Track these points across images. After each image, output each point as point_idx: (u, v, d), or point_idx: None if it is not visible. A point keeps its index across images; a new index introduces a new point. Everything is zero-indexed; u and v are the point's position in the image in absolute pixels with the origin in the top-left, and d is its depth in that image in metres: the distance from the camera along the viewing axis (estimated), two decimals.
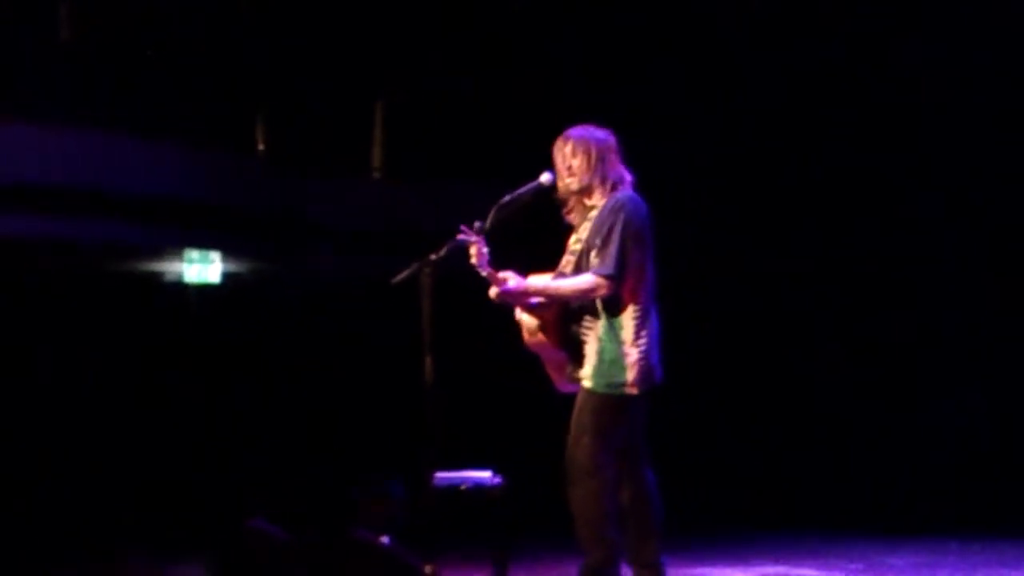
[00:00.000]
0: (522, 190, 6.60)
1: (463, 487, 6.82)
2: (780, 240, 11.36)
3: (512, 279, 6.48)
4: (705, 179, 11.18)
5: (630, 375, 6.36)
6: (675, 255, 6.77)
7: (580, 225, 6.60)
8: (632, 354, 6.36)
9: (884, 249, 11.27)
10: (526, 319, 6.62)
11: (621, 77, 10.75)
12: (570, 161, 6.55)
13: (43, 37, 9.22)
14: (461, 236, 6.43)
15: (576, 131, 6.61)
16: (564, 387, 6.62)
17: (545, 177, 6.61)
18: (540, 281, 6.55)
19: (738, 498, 10.58)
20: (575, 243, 6.57)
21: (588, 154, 6.53)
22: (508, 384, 8.22)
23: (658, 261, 6.50)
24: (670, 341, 6.60)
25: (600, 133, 6.61)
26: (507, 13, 10.64)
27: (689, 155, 10.97)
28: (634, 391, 6.37)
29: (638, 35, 10.95)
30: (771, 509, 10.31)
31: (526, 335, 6.64)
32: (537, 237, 6.80)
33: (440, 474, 6.71)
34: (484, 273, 6.46)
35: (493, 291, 6.48)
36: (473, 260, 6.44)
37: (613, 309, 6.41)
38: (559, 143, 6.60)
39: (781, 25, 11.08)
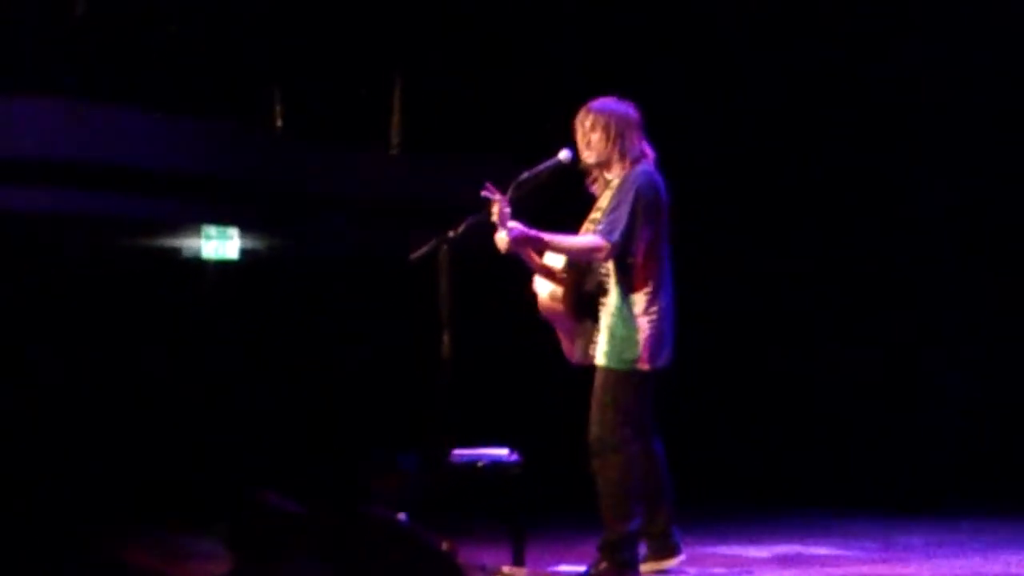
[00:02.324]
0: (541, 167, 6.64)
1: (480, 464, 6.83)
2: (780, 240, 11.38)
3: (518, 226, 6.48)
4: (704, 179, 11.20)
5: (641, 351, 6.41)
6: (675, 255, 6.79)
7: (601, 196, 6.64)
8: (644, 330, 6.41)
9: (884, 249, 11.30)
10: (543, 286, 6.64)
11: (625, 74, 10.79)
12: (589, 135, 6.61)
13: (58, 12, 9.22)
14: (485, 192, 6.46)
15: (597, 104, 6.64)
16: (576, 358, 6.64)
17: (564, 154, 6.66)
18: (545, 234, 6.56)
19: (754, 478, 10.58)
20: (595, 212, 6.61)
21: (608, 128, 6.58)
22: (526, 361, 8.22)
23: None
24: (692, 322, 6.64)
25: (622, 107, 6.64)
26: None
27: (688, 155, 10.98)
28: (645, 367, 6.41)
29: (642, 26, 10.99)
30: (787, 489, 10.31)
31: (542, 302, 6.65)
32: (556, 212, 6.81)
33: (457, 451, 6.72)
34: (507, 230, 6.46)
35: (500, 237, 6.47)
36: (494, 219, 6.46)
37: (626, 284, 6.46)
38: (580, 115, 6.64)
39: (781, 25, 11.11)
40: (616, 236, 6.39)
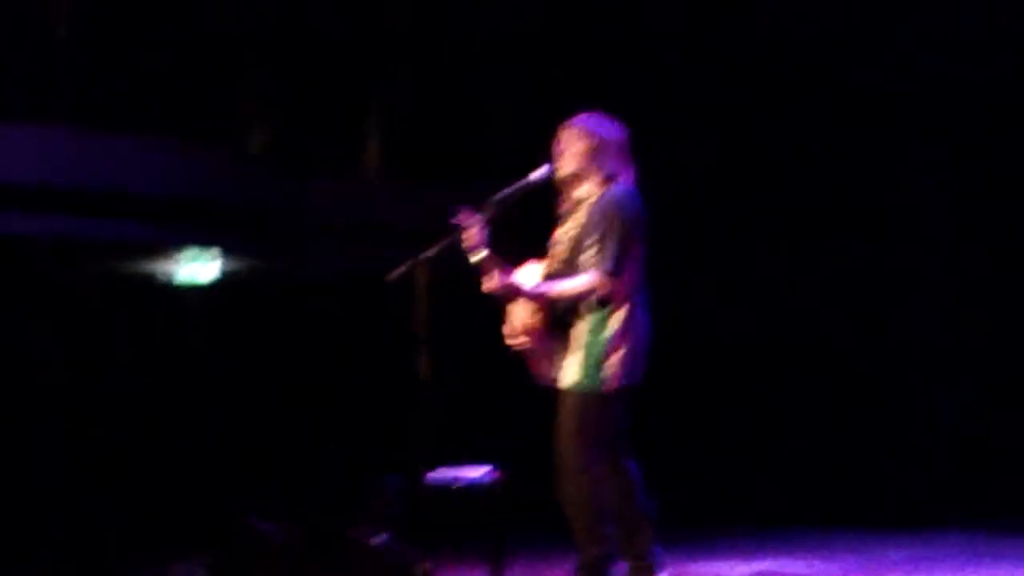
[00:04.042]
0: (516, 186, 6.62)
1: (458, 484, 6.81)
2: (777, 242, 11.38)
3: (511, 278, 6.47)
4: (698, 181, 11.20)
5: (611, 371, 6.37)
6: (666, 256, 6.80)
7: (571, 214, 6.61)
8: (617, 350, 6.37)
9: (871, 265, 11.29)
10: (518, 308, 6.62)
11: (616, 74, 10.80)
12: (569, 146, 6.58)
13: (38, 36, 9.25)
14: (459, 219, 6.45)
15: (582, 118, 6.63)
16: (546, 379, 6.62)
17: (536, 173, 6.64)
18: (532, 271, 6.56)
19: (736, 493, 10.57)
20: (564, 231, 6.59)
21: (587, 141, 6.54)
22: (504, 379, 8.21)
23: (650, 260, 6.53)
24: (664, 336, 6.61)
25: (607, 124, 6.61)
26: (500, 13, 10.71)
27: (683, 155, 11.00)
28: (612, 388, 6.38)
29: (633, 32, 10.98)
30: (769, 504, 10.31)
31: (515, 324, 6.63)
32: (531, 230, 6.81)
33: (435, 471, 6.71)
34: (479, 257, 6.44)
35: (490, 284, 6.47)
36: (468, 243, 6.44)
37: (603, 305, 6.42)
38: (564, 126, 6.63)
39: (779, 26, 11.09)
40: (610, 267, 6.36)
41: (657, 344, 6.55)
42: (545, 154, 6.68)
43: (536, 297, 6.48)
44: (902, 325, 11.23)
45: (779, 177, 11.30)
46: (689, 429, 10.96)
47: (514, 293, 6.50)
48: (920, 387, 11.14)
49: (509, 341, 6.66)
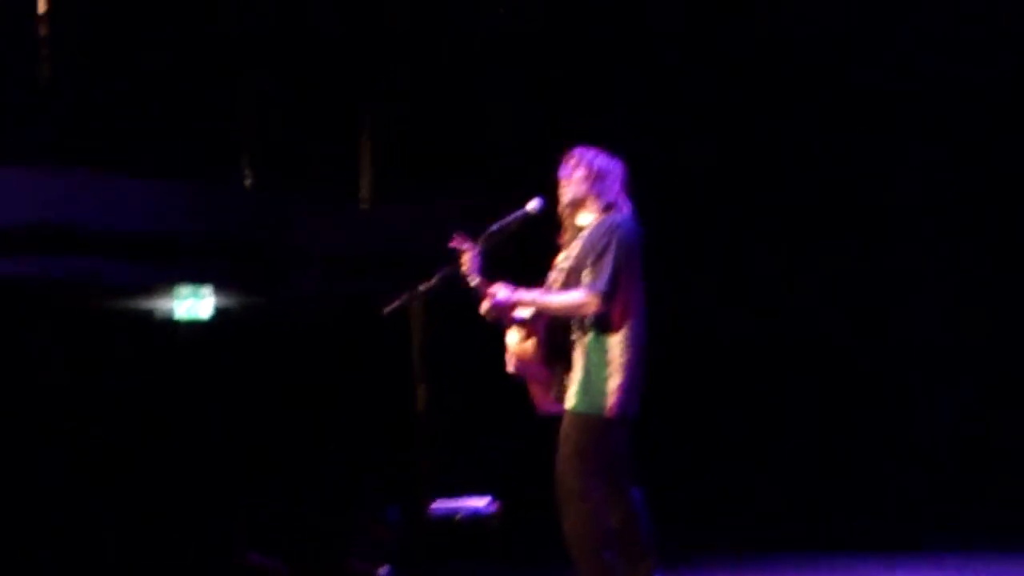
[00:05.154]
0: (509, 218, 6.63)
1: (459, 515, 6.84)
2: (777, 242, 11.37)
3: (502, 290, 6.51)
4: (698, 181, 11.18)
5: (611, 398, 6.37)
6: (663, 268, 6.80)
7: (569, 243, 6.63)
8: (616, 377, 6.38)
9: (879, 251, 11.28)
10: (513, 336, 6.64)
11: (616, 74, 10.77)
12: (572, 171, 6.61)
13: (23, 78, 9.22)
14: (454, 243, 6.48)
15: (582, 149, 6.67)
16: (546, 407, 6.64)
17: (532, 205, 6.65)
18: (529, 294, 6.58)
19: (738, 519, 10.57)
20: (563, 260, 6.60)
21: (590, 168, 6.58)
22: (503, 408, 8.25)
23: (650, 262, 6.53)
24: (664, 336, 6.61)
25: (606, 156, 6.66)
26: (490, 34, 10.67)
27: (683, 155, 10.97)
28: (614, 414, 6.39)
29: (633, 32, 10.94)
30: (771, 530, 10.29)
31: (512, 351, 6.65)
32: (525, 262, 6.82)
33: (437, 502, 6.73)
34: (474, 283, 6.47)
35: (485, 306, 6.50)
36: (464, 268, 6.47)
37: (602, 330, 6.42)
38: (566, 156, 6.66)
39: (779, 26, 11.06)
40: (604, 287, 6.36)
41: (657, 344, 6.55)
42: (544, 166, 6.70)
43: (526, 306, 6.49)
44: (902, 325, 11.24)
45: (779, 177, 11.28)
46: (689, 429, 10.97)
47: (508, 309, 6.50)
48: (920, 387, 11.16)
49: (513, 360, 6.67)
